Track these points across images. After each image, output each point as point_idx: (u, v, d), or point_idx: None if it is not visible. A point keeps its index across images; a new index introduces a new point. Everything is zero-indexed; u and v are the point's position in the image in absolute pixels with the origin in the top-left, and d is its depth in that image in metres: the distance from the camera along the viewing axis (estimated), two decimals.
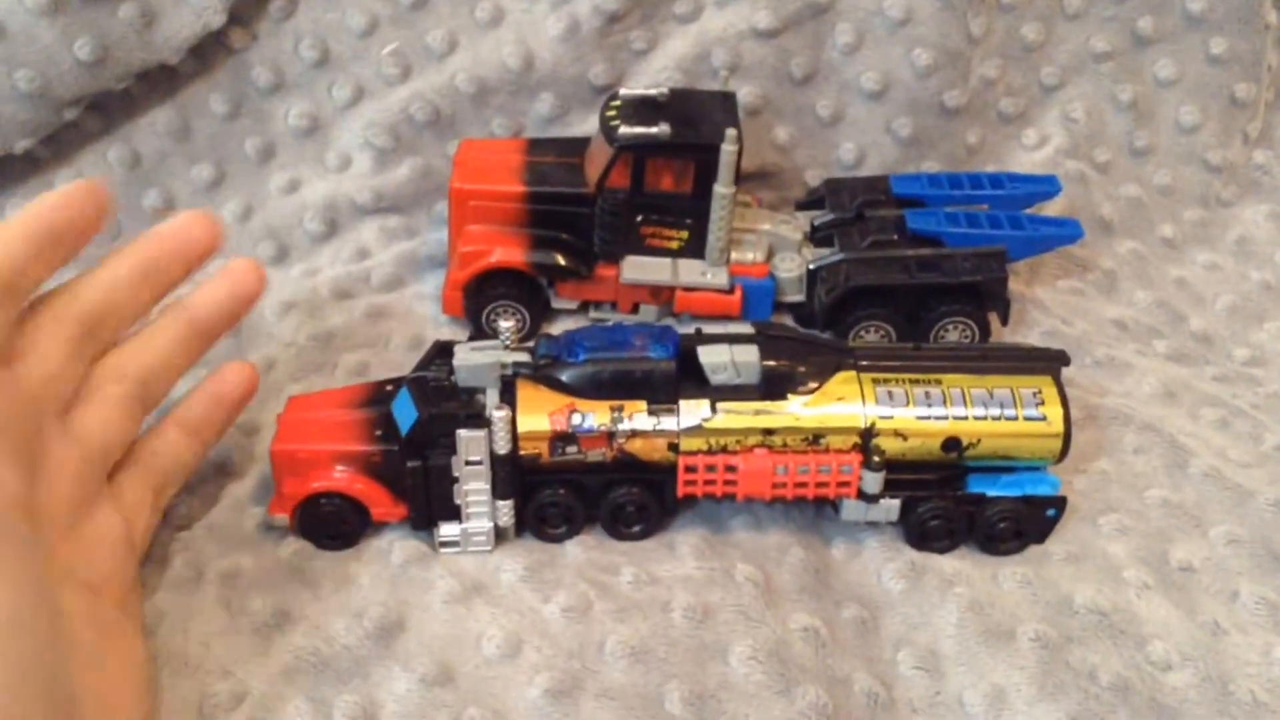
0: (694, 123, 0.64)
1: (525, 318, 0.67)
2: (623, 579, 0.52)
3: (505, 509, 0.53)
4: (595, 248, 0.66)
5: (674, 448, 0.53)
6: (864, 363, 0.54)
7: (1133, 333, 0.72)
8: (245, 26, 0.72)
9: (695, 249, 0.65)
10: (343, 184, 0.74)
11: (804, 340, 0.56)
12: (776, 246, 0.68)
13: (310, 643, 0.48)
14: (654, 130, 0.62)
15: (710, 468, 0.53)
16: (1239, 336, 0.73)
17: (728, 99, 0.66)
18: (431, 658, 0.48)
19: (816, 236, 0.69)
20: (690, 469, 0.53)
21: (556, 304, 0.67)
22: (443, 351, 0.55)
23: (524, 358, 0.53)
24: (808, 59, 0.74)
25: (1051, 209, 0.75)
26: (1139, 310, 0.74)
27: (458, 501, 0.52)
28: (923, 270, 0.66)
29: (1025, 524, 0.55)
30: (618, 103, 0.65)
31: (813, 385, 0.53)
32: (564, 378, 0.52)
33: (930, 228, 0.67)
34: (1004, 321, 0.68)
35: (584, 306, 0.68)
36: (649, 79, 0.73)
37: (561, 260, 0.65)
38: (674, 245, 0.66)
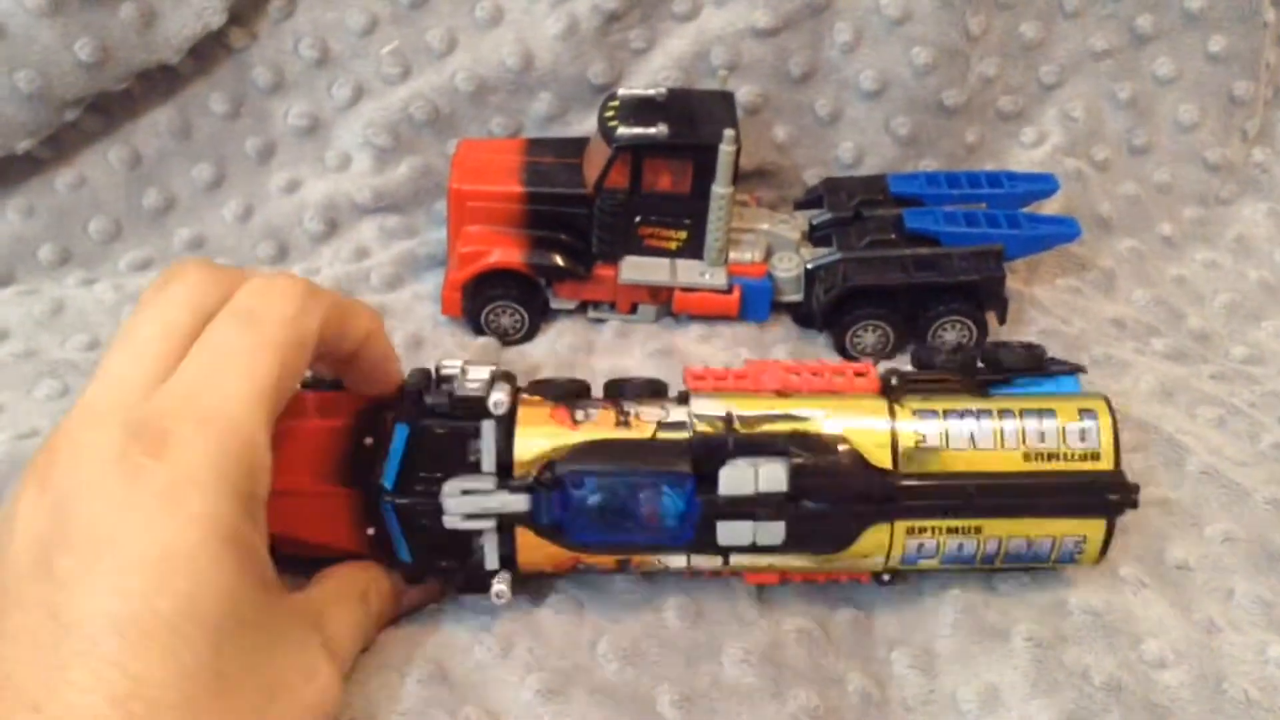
0: (692, 123, 0.64)
1: (524, 317, 0.67)
2: (616, 579, 0.53)
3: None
4: (594, 248, 0.66)
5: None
6: (907, 506, 0.48)
7: (1131, 331, 0.72)
8: (245, 26, 0.73)
9: (694, 249, 0.66)
10: (342, 183, 0.74)
11: (844, 497, 0.48)
12: (775, 246, 0.68)
13: None
14: (652, 130, 0.62)
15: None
16: (1237, 335, 0.73)
17: (726, 99, 0.66)
18: (425, 659, 0.49)
19: (815, 236, 0.69)
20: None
21: (555, 304, 0.68)
22: (429, 384, 0.49)
23: (521, 506, 0.48)
24: (806, 58, 0.74)
25: (1050, 207, 0.75)
26: (1137, 308, 0.74)
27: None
28: (920, 270, 0.66)
29: None
30: (616, 103, 0.65)
31: (837, 549, 0.49)
32: (570, 544, 0.49)
33: (928, 227, 0.67)
34: (1001, 321, 0.68)
35: (583, 306, 0.69)
36: (648, 78, 0.73)
37: (560, 261, 0.66)
38: (672, 245, 0.66)
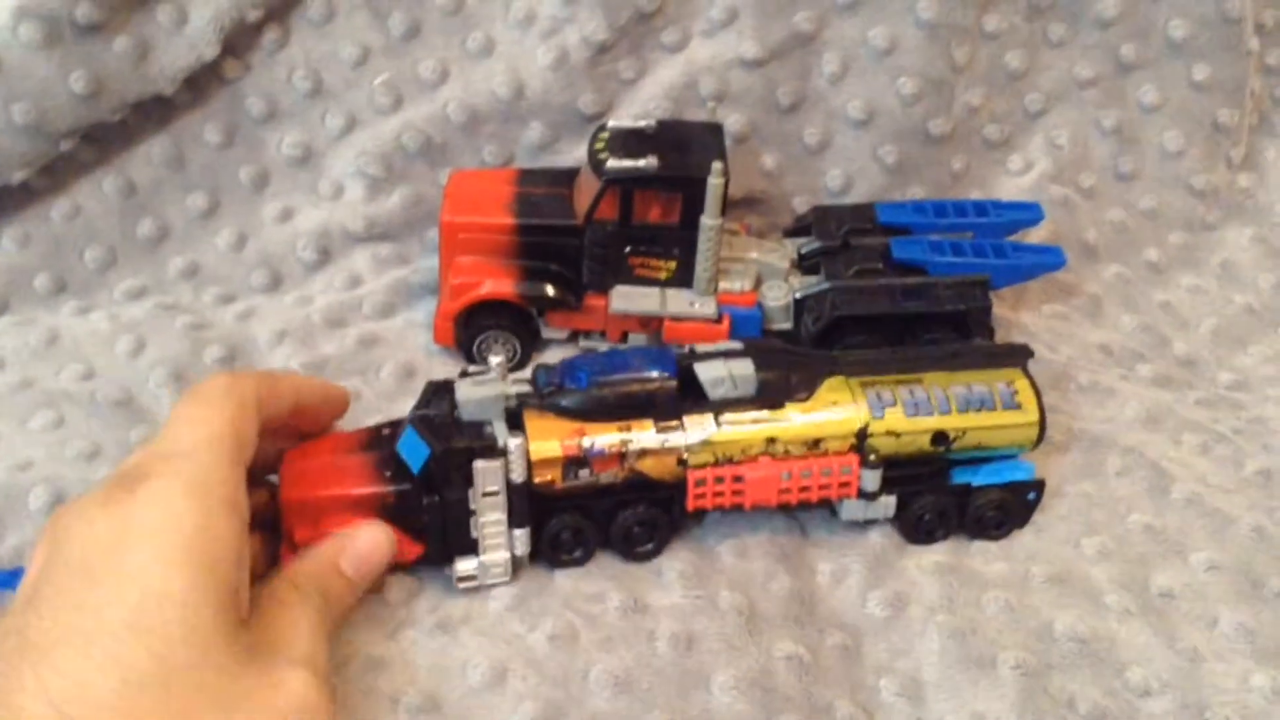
0: (681, 155, 0.64)
1: (516, 347, 0.67)
2: (609, 606, 0.53)
3: (522, 537, 0.54)
4: (584, 278, 0.67)
5: (683, 463, 0.54)
6: (849, 368, 0.57)
7: (1117, 357, 0.73)
8: (239, 57, 0.73)
9: (683, 279, 0.66)
10: (335, 212, 0.75)
11: (791, 352, 0.59)
12: (764, 275, 0.69)
13: None
14: (641, 163, 0.63)
15: (719, 479, 0.54)
16: (1223, 360, 0.74)
17: (715, 130, 0.67)
18: (418, 688, 0.49)
19: (803, 264, 0.70)
20: (700, 483, 0.54)
21: (546, 334, 0.68)
22: (438, 390, 0.55)
23: (525, 388, 0.55)
24: (794, 88, 0.75)
25: (1037, 234, 0.76)
26: (1123, 334, 0.75)
27: (475, 535, 0.53)
28: (908, 299, 0.66)
29: (1010, 510, 0.58)
30: (606, 134, 0.66)
31: (805, 394, 0.55)
32: (569, 404, 0.54)
33: (915, 256, 0.68)
34: None
35: (574, 336, 0.69)
36: (638, 107, 0.74)
37: (551, 291, 0.66)
38: (662, 275, 0.66)
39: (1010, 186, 0.80)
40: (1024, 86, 0.80)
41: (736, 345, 0.58)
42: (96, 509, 0.43)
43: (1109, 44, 0.80)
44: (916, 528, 0.58)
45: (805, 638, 0.53)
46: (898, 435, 0.55)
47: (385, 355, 0.68)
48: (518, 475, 0.52)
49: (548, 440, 0.53)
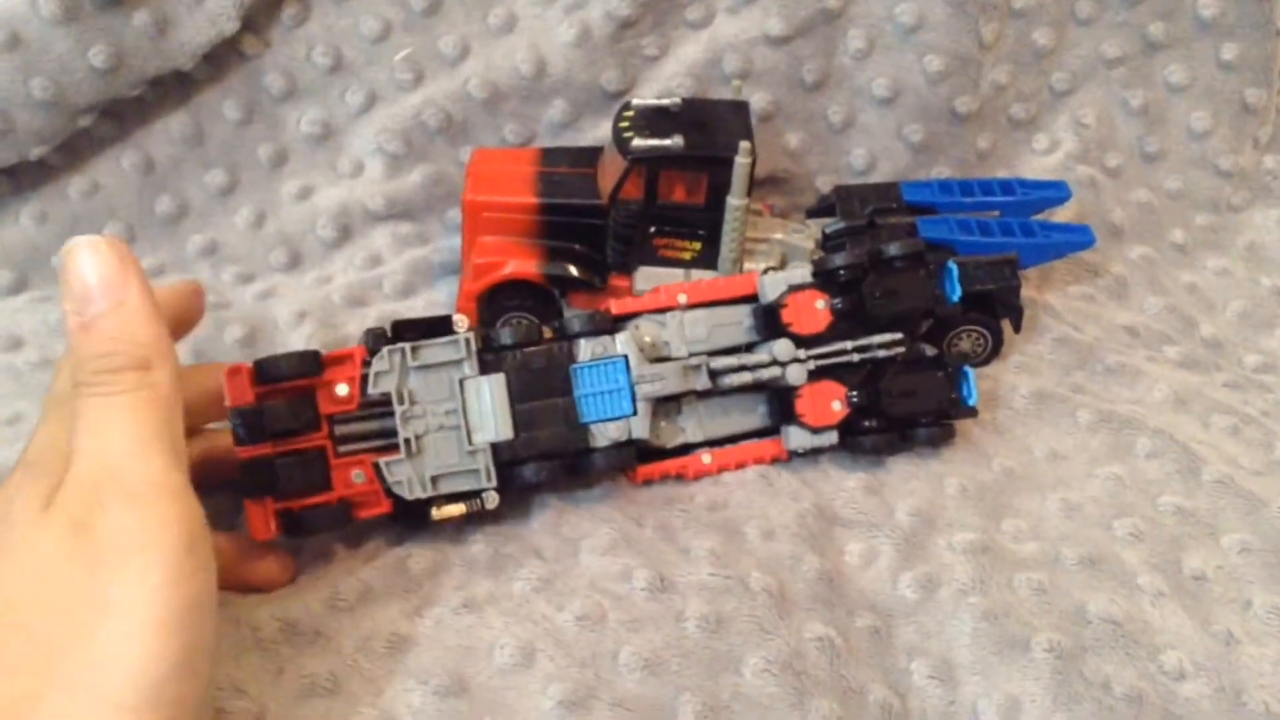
0: (707, 134, 0.64)
1: None
2: (636, 586, 0.53)
3: (463, 320, 0.54)
4: (608, 259, 0.66)
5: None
6: None
7: (1144, 339, 0.72)
8: (259, 33, 0.73)
9: (708, 260, 0.66)
10: (355, 190, 0.74)
11: None
12: (789, 256, 0.68)
13: (324, 664, 0.48)
14: (667, 142, 0.62)
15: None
16: (1250, 342, 0.73)
17: (741, 109, 0.66)
18: (445, 669, 0.49)
19: (828, 244, 0.69)
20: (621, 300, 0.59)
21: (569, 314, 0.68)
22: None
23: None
24: (819, 65, 0.74)
25: (1062, 214, 0.75)
26: (1150, 316, 0.74)
27: None
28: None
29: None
30: (630, 113, 0.65)
31: None
32: None
33: (942, 235, 0.67)
34: (1016, 329, 0.68)
35: None
36: (661, 85, 0.74)
37: (575, 272, 0.66)
38: (687, 256, 0.66)
39: (1036, 166, 0.79)
40: (1051, 65, 0.79)
41: None
42: (52, 543, 0.39)
43: (1137, 22, 0.79)
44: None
45: (835, 620, 0.52)
46: None
47: None
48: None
49: None
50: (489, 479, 0.54)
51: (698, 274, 0.66)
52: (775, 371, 0.58)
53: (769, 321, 0.58)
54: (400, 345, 0.53)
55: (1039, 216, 0.71)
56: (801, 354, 0.58)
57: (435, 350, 0.53)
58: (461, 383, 0.54)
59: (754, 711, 0.48)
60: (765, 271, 0.61)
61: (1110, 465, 0.61)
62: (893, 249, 0.59)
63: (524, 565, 0.54)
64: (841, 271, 0.59)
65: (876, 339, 0.59)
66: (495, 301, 0.66)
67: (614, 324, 0.57)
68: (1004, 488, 0.60)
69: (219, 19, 0.69)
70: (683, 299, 0.58)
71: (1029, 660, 0.50)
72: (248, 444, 0.51)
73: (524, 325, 0.55)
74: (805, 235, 0.69)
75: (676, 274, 0.66)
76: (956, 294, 0.59)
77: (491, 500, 0.54)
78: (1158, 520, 0.58)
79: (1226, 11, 0.78)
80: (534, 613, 0.51)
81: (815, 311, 0.58)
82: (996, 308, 0.66)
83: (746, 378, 0.58)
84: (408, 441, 0.53)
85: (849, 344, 0.59)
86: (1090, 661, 0.50)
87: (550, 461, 0.55)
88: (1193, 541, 0.57)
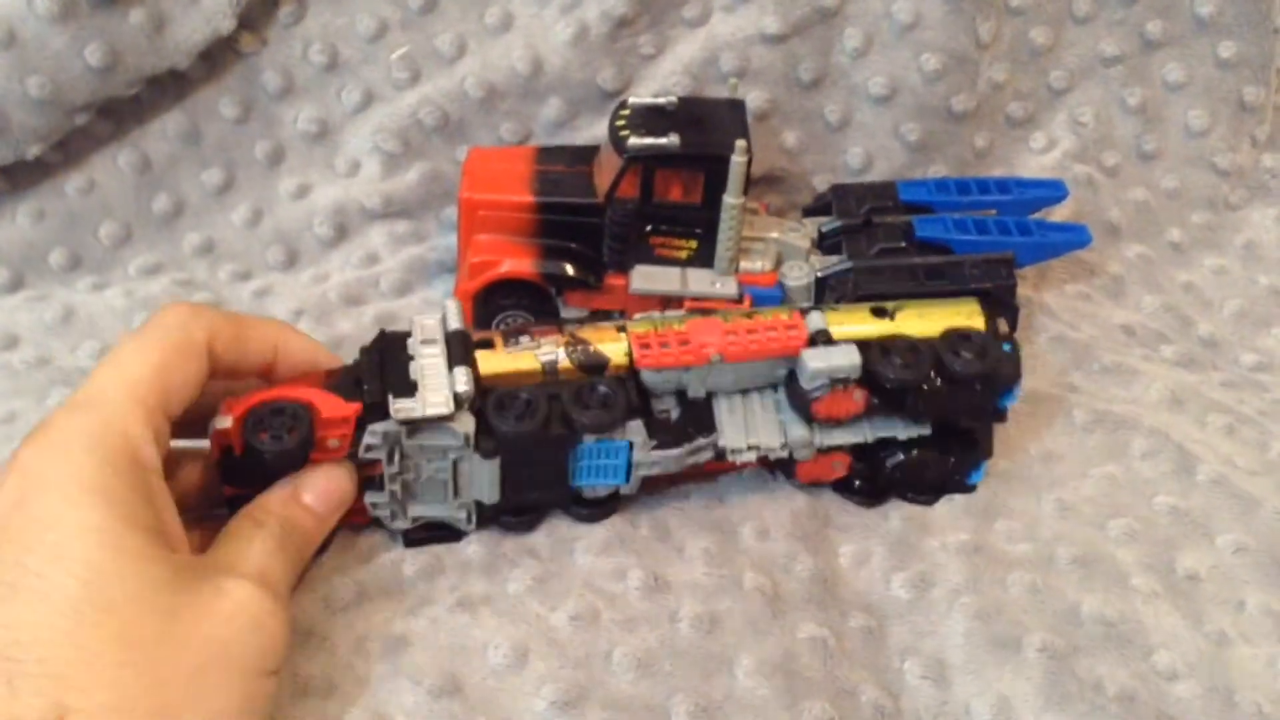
0: (703, 133, 0.63)
1: None
2: (630, 585, 0.53)
3: (463, 375, 0.51)
4: (604, 257, 0.66)
5: (623, 329, 0.55)
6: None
7: (1140, 338, 0.72)
8: (255, 31, 0.72)
9: (704, 258, 0.66)
10: (352, 189, 0.74)
11: None
12: (785, 254, 0.68)
13: (318, 665, 0.49)
14: (663, 141, 0.62)
15: (664, 344, 0.54)
16: (1246, 342, 0.73)
17: (737, 108, 0.66)
18: (439, 669, 0.49)
19: (824, 243, 0.69)
20: (644, 345, 0.54)
21: (566, 313, 0.68)
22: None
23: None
24: (815, 64, 0.74)
25: (1059, 213, 0.75)
26: (1146, 315, 0.74)
27: (414, 378, 0.51)
28: (931, 278, 0.65)
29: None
30: (627, 112, 0.65)
31: None
32: None
33: (938, 234, 0.67)
34: (1012, 328, 0.67)
35: (593, 315, 0.68)
36: (657, 84, 0.73)
37: (571, 270, 0.66)
38: (683, 255, 0.66)
39: (1033, 165, 0.79)
40: (1048, 63, 0.79)
41: None
42: (7, 472, 0.43)
43: (1134, 20, 0.79)
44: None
45: (828, 620, 0.52)
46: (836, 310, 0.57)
47: None
48: (455, 322, 0.53)
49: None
50: (470, 523, 0.55)
51: (694, 273, 0.66)
52: (784, 453, 0.56)
53: (794, 397, 0.55)
54: (397, 429, 0.51)
55: (1036, 215, 0.71)
56: (817, 440, 0.56)
57: (432, 434, 0.51)
58: (456, 461, 0.53)
59: (746, 712, 0.48)
60: (807, 313, 0.56)
61: (1105, 465, 0.61)
62: (959, 366, 0.55)
63: (518, 565, 0.54)
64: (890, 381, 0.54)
65: (902, 433, 0.56)
66: (491, 300, 0.66)
67: (627, 416, 0.53)
68: (998, 487, 0.60)
69: (215, 17, 0.69)
70: (716, 358, 0.54)
71: (1021, 660, 0.50)
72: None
73: (527, 406, 0.52)
74: (801, 234, 0.69)
75: (672, 272, 0.66)
76: (1012, 401, 0.56)
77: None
78: (1152, 520, 0.58)
79: (1224, 10, 0.78)
80: (527, 612, 0.52)
81: (849, 403, 0.55)
82: (993, 307, 0.66)
83: (752, 456, 0.56)
84: (393, 493, 0.53)
85: (869, 434, 0.56)
86: (1083, 661, 0.50)
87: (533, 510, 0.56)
88: (1187, 541, 0.57)
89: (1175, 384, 0.67)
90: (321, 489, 0.50)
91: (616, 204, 0.64)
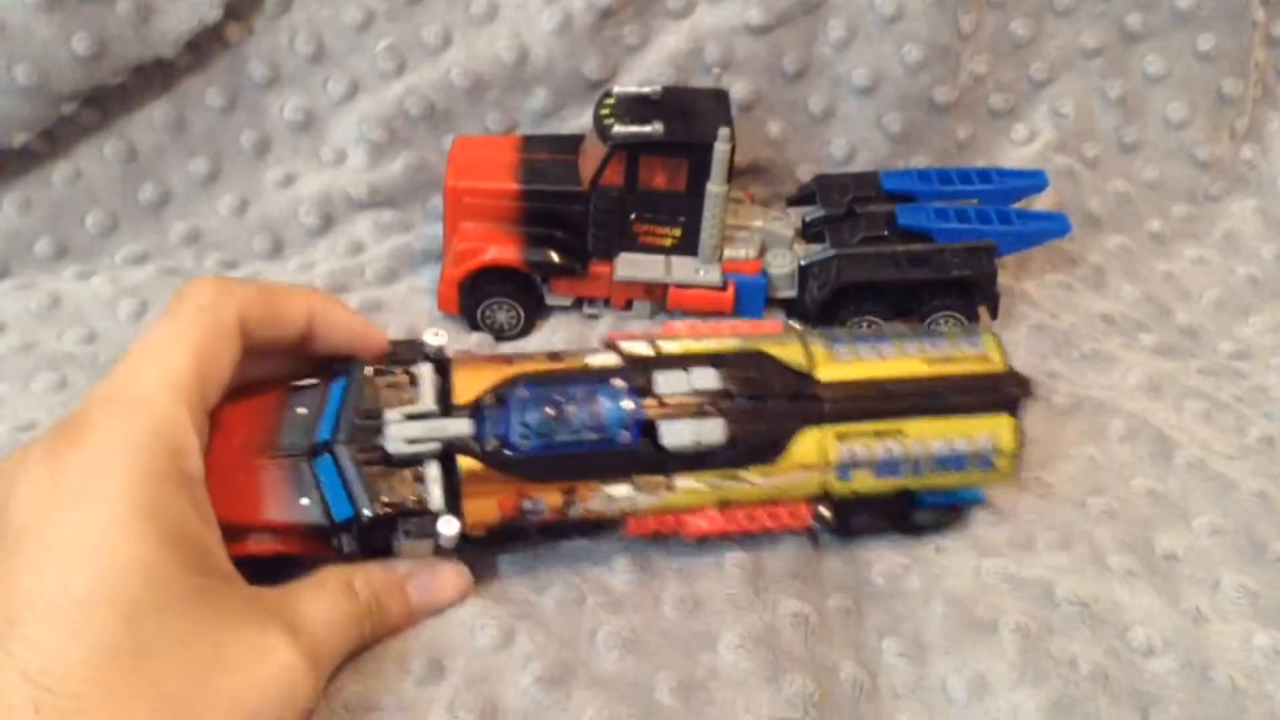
0: (687, 121, 0.64)
1: (520, 314, 0.67)
2: (616, 570, 0.53)
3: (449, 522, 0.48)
4: (589, 245, 0.66)
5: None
6: (830, 408, 0.51)
7: (1120, 326, 0.73)
8: (241, 21, 0.73)
9: (688, 246, 0.66)
10: (338, 178, 0.74)
11: (771, 395, 0.52)
12: (769, 243, 0.69)
13: None
14: (647, 129, 0.63)
15: (660, 530, 0.52)
16: (1225, 330, 0.74)
17: (721, 97, 0.67)
18: (425, 651, 0.49)
19: (808, 232, 0.70)
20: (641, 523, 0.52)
21: (551, 300, 0.68)
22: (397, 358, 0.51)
23: (465, 429, 0.48)
24: (799, 55, 0.75)
25: (1040, 204, 0.76)
26: (1126, 304, 0.75)
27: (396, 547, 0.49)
28: (913, 266, 0.66)
29: (948, 519, 0.56)
30: (611, 100, 0.66)
31: (774, 453, 0.51)
32: (515, 468, 0.48)
33: (920, 223, 0.68)
34: (993, 315, 0.68)
35: (578, 303, 0.69)
36: (642, 74, 0.74)
37: (556, 258, 0.66)
38: (667, 243, 0.66)
39: (1014, 156, 0.80)
40: (1029, 55, 0.80)
41: (712, 380, 0.51)
42: (39, 466, 0.41)
43: (1115, 13, 0.80)
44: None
45: (810, 597, 0.53)
46: (859, 492, 0.53)
47: (388, 322, 0.68)
48: (448, 544, 0.48)
49: (484, 501, 0.49)
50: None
51: (678, 260, 0.67)
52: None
53: None
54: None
55: (1017, 205, 0.72)
56: None
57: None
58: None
59: (729, 687, 0.48)
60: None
61: (1084, 447, 0.62)
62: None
63: (507, 550, 0.54)
64: None
65: None
66: (477, 287, 0.67)
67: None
68: None
69: (201, 6, 0.69)
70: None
71: (996, 640, 0.51)
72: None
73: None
74: (785, 224, 0.70)
75: (657, 260, 0.67)
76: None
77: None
78: (1130, 501, 0.59)
79: (1203, 3, 0.79)
80: (515, 596, 0.52)
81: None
82: (973, 294, 0.67)
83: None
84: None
85: None
86: (1057, 641, 0.51)
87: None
88: (1164, 523, 0.58)
89: (1154, 371, 0.68)
90: (431, 588, 0.49)
91: (601, 192, 0.65)
